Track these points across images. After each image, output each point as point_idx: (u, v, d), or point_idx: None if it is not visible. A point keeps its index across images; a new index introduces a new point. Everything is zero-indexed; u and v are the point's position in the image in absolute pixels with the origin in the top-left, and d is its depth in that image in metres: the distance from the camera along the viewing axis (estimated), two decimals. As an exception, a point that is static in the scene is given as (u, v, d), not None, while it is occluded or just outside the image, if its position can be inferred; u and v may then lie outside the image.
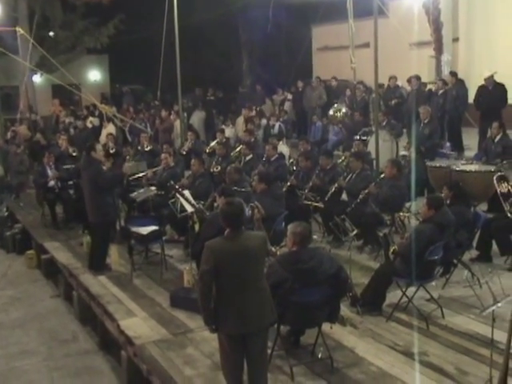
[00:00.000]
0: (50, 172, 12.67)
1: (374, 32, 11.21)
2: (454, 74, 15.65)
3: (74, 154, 13.90)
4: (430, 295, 7.45)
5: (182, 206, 9.12)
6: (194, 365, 6.42)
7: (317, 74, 23.94)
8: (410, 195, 10.01)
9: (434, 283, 7.81)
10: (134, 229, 9.38)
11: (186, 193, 9.18)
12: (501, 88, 13.82)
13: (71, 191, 12.60)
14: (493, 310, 5.31)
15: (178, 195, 9.15)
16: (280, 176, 11.12)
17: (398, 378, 5.96)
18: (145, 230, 9.28)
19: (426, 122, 12.93)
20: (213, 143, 15.40)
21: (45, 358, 8.15)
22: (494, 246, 8.96)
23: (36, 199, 13.96)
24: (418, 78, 16.00)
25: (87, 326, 9.03)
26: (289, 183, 10.92)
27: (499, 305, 5.27)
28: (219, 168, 12.50)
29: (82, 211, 10.39)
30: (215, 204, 8.66)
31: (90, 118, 20.35)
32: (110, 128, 18.14)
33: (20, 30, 18.48)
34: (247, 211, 6.60)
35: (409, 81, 16.18)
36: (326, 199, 10.27)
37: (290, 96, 21.26)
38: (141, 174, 11.80)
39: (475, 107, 14.41)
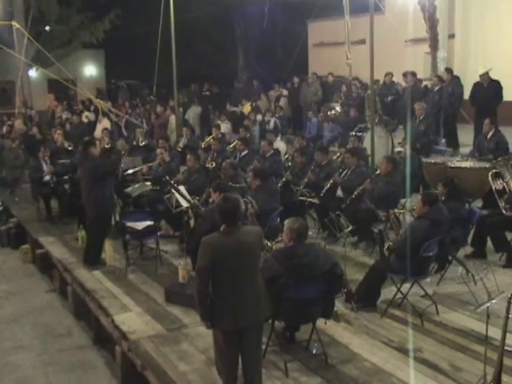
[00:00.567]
0: (45, 167, 12.63)
1: (369, 28, 11.21)
2: (449, 70, 15.66)
3: (70, 149, 13.86)
4: (424, 291, 7.46)
5: (177, 201, 9.10)
6: (189, 360, 6.42)
7: (312, 70, 23.97)
8: (405, 191, 10.03)
9: (428, 279, 7.84)
10: (129, 224, 9.37)
11: (182, 188, 9.17)
12: (496, 85, 13.82)
13: (66, 186, 12.56)
14: (487, 307, 5.32)
15: (173, 190, 9.14)
16: (275, 172, 11.11)
17: (393, 374, 5.97)
18: (140, 225, 9.27)
19: (421, 118, 12.95)
20: (208, 138, 15.38)
21: (39, 353, 8.13)
22: (489, 243, 8.98)
23: (31, 194, 13.91)
24: (413, 74, 16.00)
25: (82, 320, 9.02)
26: (284, 179, 10.92)
27: (494, 301, 5.28)
28: (214, 163, 12.49)
29: (77, 206, 10.39)
30: (210, 199, 8.65)
31: (86, 113, 20.31)
32: (105, 123, 18.09)
33: (16, 25, 18.45)
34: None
35: (404, 75, 16.16)
36: (321, 195, 10.28)
37: (285, 92, 21.26)
38: (136, 169, 11.77)
39: (470, 104, 14.42)
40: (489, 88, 13.84)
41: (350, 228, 8.02)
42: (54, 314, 9.46)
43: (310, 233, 8.48)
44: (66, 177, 12.60)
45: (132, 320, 7.50)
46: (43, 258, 11.06)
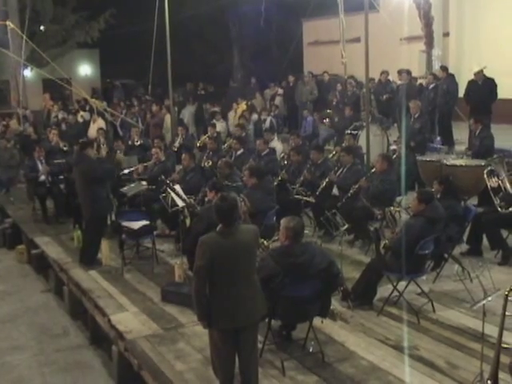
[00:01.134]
0: (40, 166, 12.61)
1: (364, 27, 11.21)
2: (444, 68, 15.69)
3: (65, 149, 13.84)
4: (420, 289, 7.47)
5: (173, 200, 9.10)
6: (185, 359, 6.41)
7: (307, 68, 23.96)
8: (400, 189, 10.04)
9: (424, 277, 7.84)
10: (125, 223, 9.36)
11: (177, 187, 9.17)
12: (491, 83, 13.85)
13: (62, 186, 12.54)
14: (483, 304, 5.33)
15: (168, 190, 9.13)
16: (271, 170, 11.11)
17: (389, 372, 5.97)
18: (136, 225, 9.27)
19: (416, 116, 12.96)
20: (203, 137, 15.37)
21: (35, 353, 8.12)
22: (485, 240, 8.99)
23: (26, 194, 13.91)
24: (408, 72, 16.01)
25: (78, 320, 9.01)
26: (280, 178, 10.92)
27: (490, 299, 5.29)
28: (210, 162, 12.48)
29: (73, 206, 10.37)
30: (206, 198, 8.64)
31: (81, 113, 20.26)
32: (100, 122, 18.06)
33: (10, 24, 18.39)
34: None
35: (399, 73, 16.18)
36: (317, 194, 10.28)
37: (280, 91, 21.25)
38: (132, 169, 11.76)
39: (465, 102, 14.45)
40: (483, 86, 13.87)
41: (345, 226, 8.03)
42: (49, 314, 9.45)
43: (306, 231, 8.47)
44: (61, 177, 12.58)
45: (128, 320, 7.49)
46: (39, 258, 11.02)
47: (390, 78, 17.48)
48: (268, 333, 6.29)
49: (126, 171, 11.69)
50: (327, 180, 10.32)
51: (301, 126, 17.72)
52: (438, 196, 8.39)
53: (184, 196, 8.98)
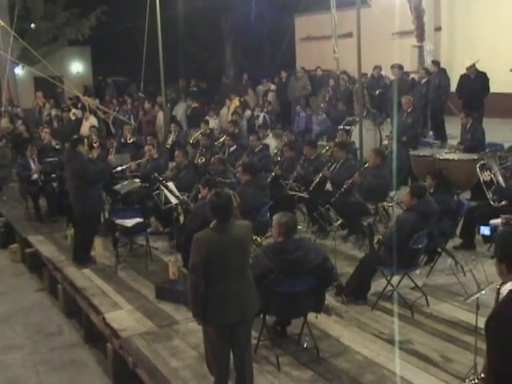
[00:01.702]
0: (33, 165, 12.58)
1: (356, 22, 11.21)
2: (436, 63, 15.68)
3: (57, 147, 13.80)
4: (414, 284, 7.50)
5: (166, 197, 9.09)
6: (180, 356, 6.42)
7: (300, 64, 23.93)
8: (392, 184, 10.07)
9: (418, 271, 7.86)
10: (119, 221, 9.36)
11: (171, 184, 9.16)
12: (483, 77, 13.86)
13: (54, 184, 12.50)
14: (477, 298, 5.35)
15: (162, 187, 9.12)
16: (264, 166, 11.11)
17: (384, 366, 6.00)
18: (129, 223, 9.26)
19: (408, 111, 12.98)
20: (196, 134, 15.34)
21: (30, 352, 8.11)
22: (478, 234, 9.02)
23: (19, 193, 13.85)
24: (400, 67, 16.01)
25: (72, 319, 9.00)
26: (273, 174, 10.92)
27: (483, 292, 5.31)
28: (203, 159, 12.47)
29: (66, 204, 10.33)
30: (200, 195, 8.64)
31: (73, 110, 20.19)
32: (92, 120, 18.01)
33: (0, 22, 18.27)
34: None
35: (393, 67, 16.18)
36: (311, 189, 10.29)
37: (273, 87, 21.24)
38: (124, 166, 11.74)
39: (457, 96, 14.46)
40: (476, 80, 13.87)
41: (339, 221, 8.03)
42: (44, 312, 9.43)
43: (299, 227, 8.50)
44: (53, 175, 12.54)
45: (123, 317, 7.50)
46: (33, 257, 11.00)
47: (383, 72, 17.48)
48: (263, 329, 6.30)
49: (118, 169, 11.67)
50: (320, 175, 10.33)
51: (294, 122, 17.73)
52: (431, 190, 8.40)
53: (177, 193, 8.97)
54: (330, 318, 7.05)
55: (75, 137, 9.86)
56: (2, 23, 18.26)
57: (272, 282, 5.92)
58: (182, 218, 9.48)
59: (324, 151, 12.17)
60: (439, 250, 8.24)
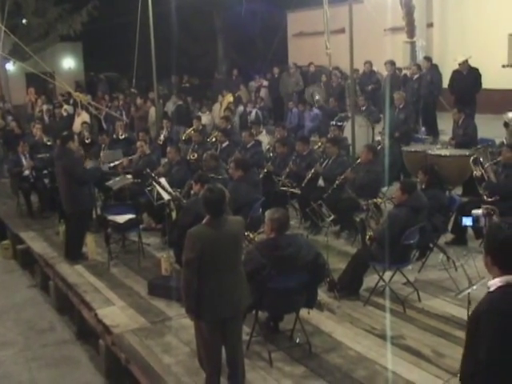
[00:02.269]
0: (24, 161, 12.53)
1: (348, 18, 11.22)
2: (428, 59, 15.69)
3: (49, 143, 13.76)
4: (406, 279, 7.52)
5: (158, 193, 9.08)
6: (173, 352, 6.42)
7: (292, 60, 23.92)
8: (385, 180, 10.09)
9: (410, 267, 7.89)
10: (111, 217, 9.33)
11: (163, 180, 9.15)
12: (475, 73, 13.88)
13: (46, 180, 12.46)
14: (468, 293, 5.38)
15: (154, 183, 9.11)
16: (256, 162, 11.10)
17: (376, 361, 6.01)
18: (121, 219, 9.23)
19: (400, 107, 13.01)
20: (189, 130, 15.33)
21: (22, 349, 8.08)
22: (469, 230, 9.04)
23: (11, 189, 13.82)
24: (392, 63, 16.03)
25: (64, 315, 8.97)
26: (265, 169, 10.92)
27: (474, 287, 5.33)
28: (196, 155, 12.45)
29: (58, 200, 10.30)
30: (192, 191, 8.63)
31: (65, 106, 20.13)
32: (84, 116, 17.96)
33: (-9, 18, 18.21)
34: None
35: (386, 63, 16.19)
36: (303, 185, 10.30)
37: (265, 82, 21.22)
38: (116, 162, 11.71)
39: (449, 92, 14.49)
40: (468, 76, 13.89)
41: (331, 217, 8.05)
42: (36, 309, 9.40)
43: (292, 223, 8.52)
44: (45, 171, 12.50)
45: (115, 314, 7.49)
46: (24, 254, 10.98)
47: (375, 68, 17.49)
48: (255, 324, 6.31)
49: (110, 165, 11.64)
50: (313, 171, 10.33)
51: (286, 118, 17.73)
52: (423, 186, 8.43)
53: (170, 189, 8.97)
54: (322, 314, 7.07)
55: (65, 133, 9.82)
56: (-7, 19, 18.19)
57: (264, 278, 5.92)
58: (174, 214, 9.48)
59: (316, 147, 12.17)
60: (431, 245, 8.26)
